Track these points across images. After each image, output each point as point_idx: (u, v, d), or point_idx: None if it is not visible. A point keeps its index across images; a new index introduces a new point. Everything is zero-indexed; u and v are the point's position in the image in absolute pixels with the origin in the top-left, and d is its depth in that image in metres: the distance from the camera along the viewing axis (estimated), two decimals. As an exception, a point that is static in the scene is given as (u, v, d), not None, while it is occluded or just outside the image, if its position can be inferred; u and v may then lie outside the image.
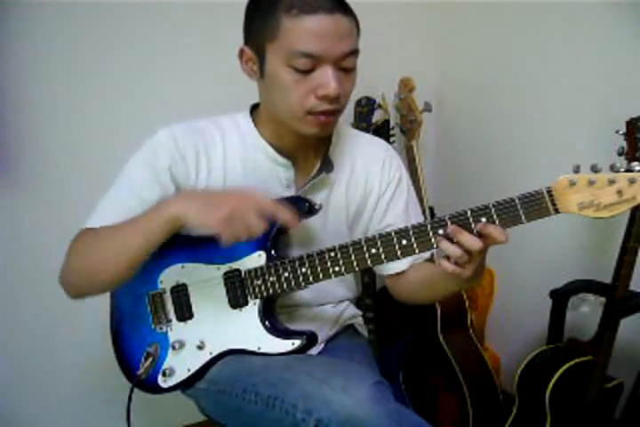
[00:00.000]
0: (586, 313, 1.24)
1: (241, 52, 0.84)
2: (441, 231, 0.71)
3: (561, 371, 1.13)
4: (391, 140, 1.49)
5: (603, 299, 1.15)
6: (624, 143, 1.04)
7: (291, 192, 0.91)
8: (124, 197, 0.85)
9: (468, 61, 1.61)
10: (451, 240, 0.69)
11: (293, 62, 0.75)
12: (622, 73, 1.18)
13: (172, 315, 0.93)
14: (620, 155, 1.04)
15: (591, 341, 1.16)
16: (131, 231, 0.78)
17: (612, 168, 0.64)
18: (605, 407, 1.19)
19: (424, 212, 1.41)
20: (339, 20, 0.74)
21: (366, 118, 1.44)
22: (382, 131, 1.47)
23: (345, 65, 0.77)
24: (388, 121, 1.48)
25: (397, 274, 0.95)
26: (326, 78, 0.76)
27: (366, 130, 1.43)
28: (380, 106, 1.48)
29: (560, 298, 1.22)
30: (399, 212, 0.96)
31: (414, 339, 1.41)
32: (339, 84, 0.76)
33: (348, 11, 0.76)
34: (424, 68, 1.65)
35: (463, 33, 1.61)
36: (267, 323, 0.85)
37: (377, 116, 1.48)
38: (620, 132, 1.05)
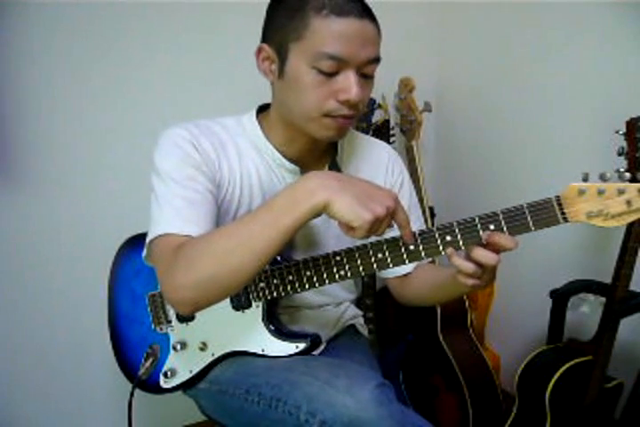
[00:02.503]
0: (586, 313, 1.24)
1: (259, 50, 0.80)
2: (448, 238, 0.70)
3: (561, 371, 1.13)
4: (391, 140, 1.49)
5: (603, 299, 1.15)
6: (624, 143, 1.04)
7: None
8: (179, 195, 0.77)
9: (468, 61, 1.61)
10: (460, 252, 0.69)
11: (318, 64, 0.73)
12: (622, 73, 1.18)
13: (172, 316, 0.93)
14: (619, 155, 1.04)
15: (591, 341, 1.16)
16: (265, 226, 0.66)
17: (621, 177, 0.64)
18: (605, 407, 1.19)
19: (424, 212, 1.41)
20: (367, 26, 0.73)
21: (366, 118, 1.44)
22: (382, 131, 1.47)
23: (366, 71, 0.76)
24: (388, 121, 1.48)
25: (402, 276, 0.94)
26: (349, 83, 0.74)
27: (366, 130, 1.43)
28: (379, 106, 1.47)
29: (560, 298, 1.22)
30: None
31: (414, 339, 1.42)
32: (360, 91, 0.75)
33: (374, 18, 0.76)
34: (424, 68, 1.65)
35: (463, 33, 1.61)
36: (270, 326, 0.85)
37: (377, 116, 1.48)
38: (620, 133, 1.05)
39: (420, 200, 1.39)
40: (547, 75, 1.36)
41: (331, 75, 0.74)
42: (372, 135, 1.36)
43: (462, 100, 1.65)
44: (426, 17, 1.64)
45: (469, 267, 0.68)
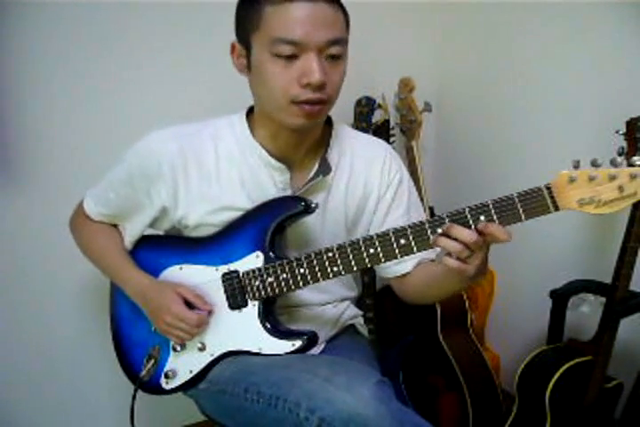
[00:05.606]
0: (586, 313, 1.24)
1: (232, 48, 0.84)
2: (439, 230, 0.70)
3: (561, 371, 1.13)
4: (391, 140, 1.49)
5: (603, 299, 1.15)
6: (624, 143, 1.04)
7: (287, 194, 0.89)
8: (109, 187, 0.96)
9: (468, 61, 1.61)
10: (448, 237, 0.69)
11: (276, 49, 0.75)
12: (622, 73, 1.18)
13: (170, 317, 0.94)
14: (619, 155, 1.03)
15: (591, 341, 1.16)
16: (107, 268, 0.97)
17: (613, 163, 0.63)
18: (605, 407, 1.19)
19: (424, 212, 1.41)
20: (321, 8, 0.74)
21: (366, 118, 1.44)
22: (382, 131, 1.47)
23: (331, 52, 0.76)
24: (388, 121, 1.48)
25: (402, 276, 0.94)
26: (309, 66, 0.75)
27: (366, 130, 1.43)
28: (379, 106, 1.47)
29: (560, 298, 1.22)
30: (401, 214, 0.95)
31: (414, 339, 1.41)
32: (322, 72, 0.75)
33: (334, 1, 0.77)
34: (424, 68, 1.65)
35: (463, 33, 1.61)
36: (267, 324, 0.85)
37: (377, 116, 1.48)
38: (620, 133, 1.05)
39: (420, 200, 1.39)
40: (547, 75, 1.36)
41: (290, 59, 0.75)
42: (372, 135, 1.36)
43: (462, 100, 1.65)
44: (426, 17, 1.63)
45: (456, 246, 0.68)
